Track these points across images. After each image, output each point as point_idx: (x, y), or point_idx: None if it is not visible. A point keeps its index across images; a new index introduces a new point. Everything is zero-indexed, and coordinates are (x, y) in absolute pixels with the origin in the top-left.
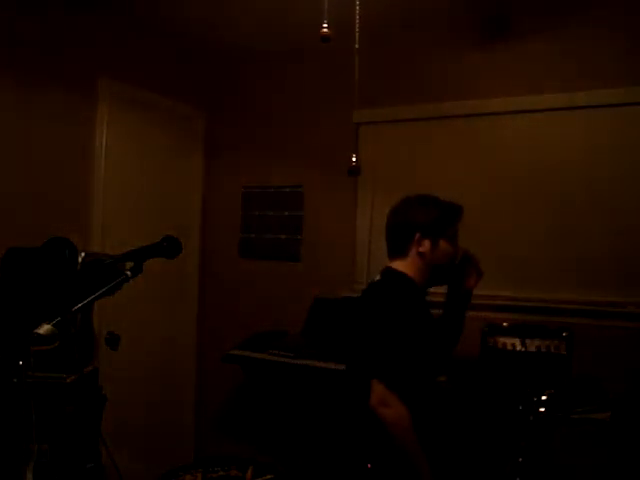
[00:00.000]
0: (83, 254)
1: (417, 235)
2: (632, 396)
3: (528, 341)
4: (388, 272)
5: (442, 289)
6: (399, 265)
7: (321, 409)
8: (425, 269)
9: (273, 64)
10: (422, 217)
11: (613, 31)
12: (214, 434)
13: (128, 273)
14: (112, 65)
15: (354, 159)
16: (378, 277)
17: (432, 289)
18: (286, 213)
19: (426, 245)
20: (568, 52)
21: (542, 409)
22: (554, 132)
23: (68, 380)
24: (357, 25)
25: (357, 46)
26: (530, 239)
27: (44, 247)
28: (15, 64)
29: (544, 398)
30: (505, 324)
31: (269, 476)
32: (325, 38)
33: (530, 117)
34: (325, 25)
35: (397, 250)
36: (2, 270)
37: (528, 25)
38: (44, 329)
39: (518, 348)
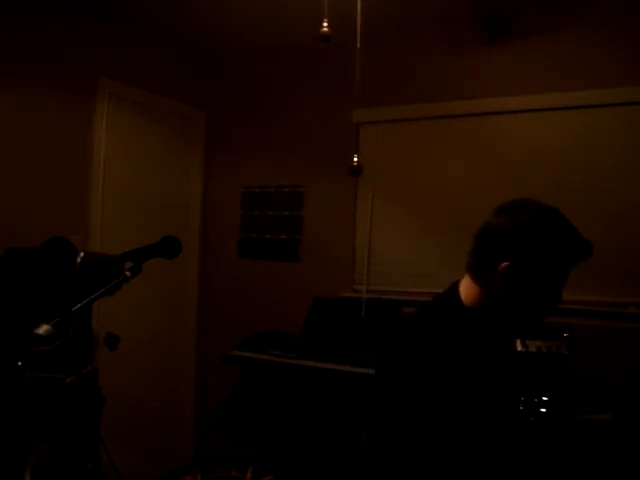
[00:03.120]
0: (82, 254)
1: (504, 266)
2: (633, 397)
3: (529, 342)
4: (450, 296)
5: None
6: (466, 289)
7: (321, 410)
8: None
9: (273, 64)
10: (525, 242)
11: (612, 31)
12: (213, 435)
13: (127, 273)
14: (112, 65)
15: (355, 159)
16: (443, 291)
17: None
18: (286, 213)
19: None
20: (567, 52)
21: (543, 410)
22: (554, 132)
23: (67, 381)
24: (358, 24)
25: (359, 46)
26: None
27: (43, 247)
28: (15, 64)
29: (545, 399)
30: None
31: (269, 477)
32: (325, 38)
33: (530, 117)
34: (325, 24)
35: (474, 266)
36: (1, 270)
37: (528, 25)
38: (43, 329)
39: (519, 349)
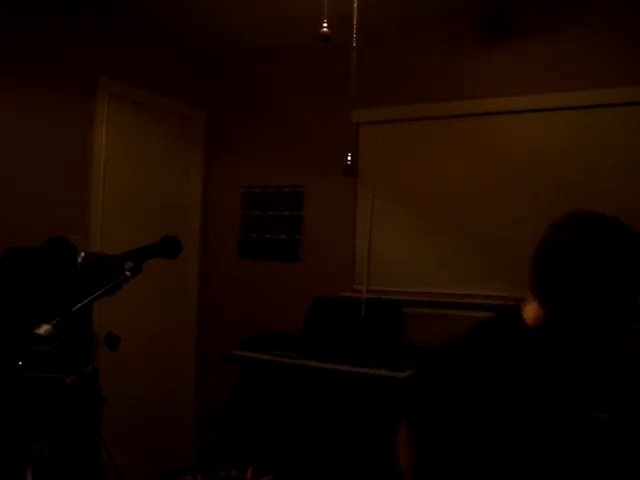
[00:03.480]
0: (83, 254)
1: (573, 290)
2: (633, 397)
3: None
4: (512, 311)
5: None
6: (529, 307)
7: (321, 409)
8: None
9: (273, 64)
10: (595, 258)
11: (612, 31)
12: (213, 435)
13: (128, 273)
14: (112, 65)
15: (349, 158)
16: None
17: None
18: (286, 213)
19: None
20: (568, 52)
21: None
22: (554, 132)
23: (67, 380)
24: (355, 23)
25: (355, 44)
26: (530, 240)
27: (44, 247)
28: (15, 64)
29: None
30: None
31: (269, 477)
32: (325, 38)
33: (530, 117)
34: (325, 24)
35: (536, 287)
36: (2, 270)
37: (528, 25)
38: (44, 329)
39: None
